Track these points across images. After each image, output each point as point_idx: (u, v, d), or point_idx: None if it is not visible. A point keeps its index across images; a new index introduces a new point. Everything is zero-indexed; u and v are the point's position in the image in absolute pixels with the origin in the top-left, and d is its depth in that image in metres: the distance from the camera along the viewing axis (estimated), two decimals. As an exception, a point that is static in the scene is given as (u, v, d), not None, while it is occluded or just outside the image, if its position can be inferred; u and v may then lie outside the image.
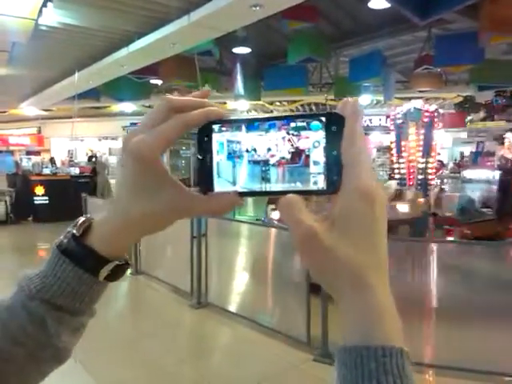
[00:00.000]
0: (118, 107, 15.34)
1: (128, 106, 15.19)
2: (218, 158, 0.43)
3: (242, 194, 0.43)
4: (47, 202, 11.28)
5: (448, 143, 15.70)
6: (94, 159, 14.49)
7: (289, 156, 0.41)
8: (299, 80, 9.09)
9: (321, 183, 0.40)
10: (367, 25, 7.43)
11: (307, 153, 0.41)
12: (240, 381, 3.54)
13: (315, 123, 0.41)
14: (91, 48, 7.85)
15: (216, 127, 0.43)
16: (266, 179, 0.42)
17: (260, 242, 5.19)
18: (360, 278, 0.37)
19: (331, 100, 11.90)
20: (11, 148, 18.52)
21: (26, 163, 14.18)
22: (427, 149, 7.69)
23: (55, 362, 0.49)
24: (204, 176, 0.43)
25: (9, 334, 0.45)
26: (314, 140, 0.40)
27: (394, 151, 8.09)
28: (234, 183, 0.43)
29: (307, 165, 0.41)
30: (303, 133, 0.41)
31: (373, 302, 0.37)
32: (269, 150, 0.42)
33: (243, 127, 0.43)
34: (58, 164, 14.86)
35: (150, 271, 5.96)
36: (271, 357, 3.89)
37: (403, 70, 9.97)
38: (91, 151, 17.48)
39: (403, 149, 7.89)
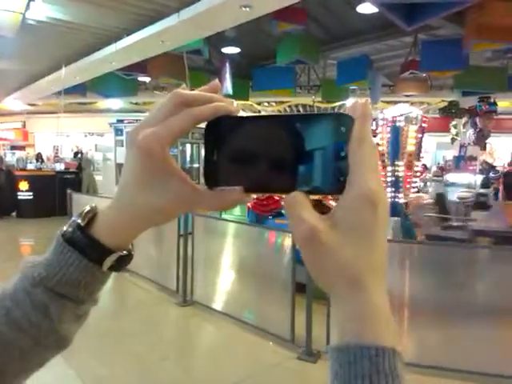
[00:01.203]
0: (104, 103, 15.21)
1: (115, 103, 15.08)
2: (225, 153, 0.42)
3: (248, 191, 0.42)
4: (31, 197, 11.13)
5: (432, 147, 15.94)
6: (79, 155, 14.35)
7: (296, 155, 0.40)
8: (287, 81, 9.15)
9: (328, 183, 0.40)
10: (355, 29, 7.53)
11: (315, 152, 0.40)
12: (224, 378, 3.56)
13: (324, 123, 0.40)
14: (79, 43, 7.79)
15: (224, 122, 0.42)
16: (272, 177, 0.41)
17: (246, 241, 5.22)
18: (356, 279, 0.37)
19: (319, 102, 12.00)
20: (-5, 142, 18.22)
21: (11, 158, 13.97)
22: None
23: (57, 348, 0.49)
24: (210, 171, 0.43)
25: (12, 321, 0.45)
26: (322, 140, 0.40)
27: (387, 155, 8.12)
28: (240, 179, 0.42)
29: (314, 164, 0.40)
30: (311, 132, 0.40)
31: (367, 303, 0.37)
32: (276, 148, 0.41)
33: (252, 124, 0.43)
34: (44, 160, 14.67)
35: (136, 269, 5.95)
36: (255, 355, 3.93)
37: (389, 74, 10.11)
38: (77, 147, 17.31)
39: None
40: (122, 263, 0.49)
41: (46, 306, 0.46)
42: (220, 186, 0.43)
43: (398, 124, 7.45)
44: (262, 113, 15.61)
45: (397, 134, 8.24)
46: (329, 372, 0.37)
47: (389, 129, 8.21)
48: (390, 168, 6.73)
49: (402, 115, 7.04)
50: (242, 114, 0.43)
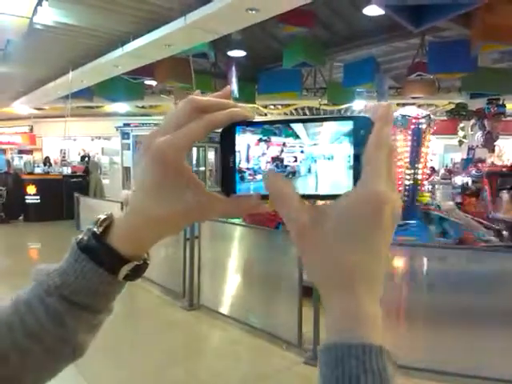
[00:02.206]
0: (111, 107, 15.28)
1: (121, 107, 15.14)
2: (242, 160, 0.42)
3: (265, 197, 0.41)
4: (39, 201, 11.21)
5: (439, 150, 15.85)
6: (86, 159, 14.43)
7: (314, 159, 0.40)
8: (293, 84, 9.14)
9: (346, 187, 0.39)
10: (362, 31, 7.49)
11: (332, 156, 0.39)
12: (231, 382, 3.55)
13: (342, 127, 0.39)
14: (86, 47, 7.83)
15: (240, 128, 0.42)
16: (294, 183, 0.40)
17: (252, 244, 5.20)
18: (347, 280, 0.37)
19: (325, 105, 11.97)
20: (3, 147, 18.34)
21: (18, 162, 14.08)
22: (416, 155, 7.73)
23: (71, 358, 0.49)
24: (226, 178, 0.43)
25: (27, 329, 0.45)
26: (340, 144, 0.39)
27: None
28: (256, 186, 0.41)
29: (333, 169, 0.39)
30: (330, 136, 0.39)
31: (354, 306, 0.37)
32: (293, 152, 0.41)
33: (268, 129, 0.42)
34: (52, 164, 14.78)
35: (142, 272, 5.94)
36: (262, 359, 3.91)
37: (396, 76, 10.06)
38: (84, 151, 17.40)
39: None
40: (137, 272, 0.48)
41: (61, 315, 0.45)
42: (236, 193, 0.42)
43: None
44: (269, 116, 15.62)
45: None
46: (317, 372, 0.37)
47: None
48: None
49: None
50: (256, 119, 0.42)
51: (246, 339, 4.26)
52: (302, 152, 0.40)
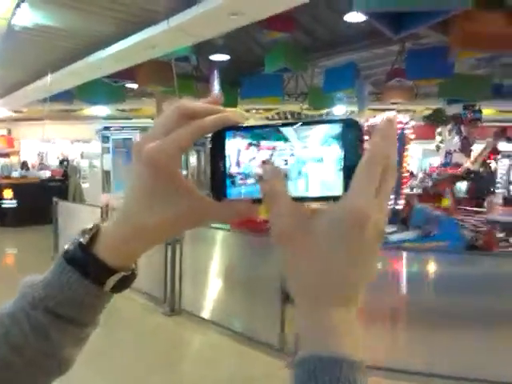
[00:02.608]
0: (91, 110, 15.08)
1: (102, 110, 14.96)
2: (232, 164, 0.42)
3: (256, 201, 0.42)
4: (16, 205, 10.96)
5: (418, 154, 16.12)
6: (65, 162, 14.19)
7: (304, 162, 0.40)
8: (276, 89, 9.19)
9: (337, 189, 0.39)
10: (343, 37, 7.59)
11: (322, 159, 0.39)
12: (213, 388, 3.52)
13: (331, 130, 0.39)
14: (66, 50, 7.72)
15: (230, 133, 0.42)
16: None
17: (234, 249, 5.19)
18: (321, 291, 0.37)
19: (307, 109, 12.06)
20: (-22, 150, 17.90)
21: (-5, 165, 13.76)
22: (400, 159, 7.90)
23: (56, 372, 0.47)
24: (217, 182, 0.42)
25: (10, 342, 0.43)
26: (330, 146, 0.39)
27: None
28: (248, 190, 0.41)
29: (323, 171, 0.39)
30: (319, 139, 0.40)
31: (329, 316, 0.37)
32: (283, 156, 0.41)
33: (258, 133, 0.42)
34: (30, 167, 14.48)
35: (123, 277, 5.86)
36: (244, 364, 3.90)
37: (376, 82, 10.21)
38: (63, 154, 17.11)
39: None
40: (125, 283, 0.47)
41: (46, 328, 0.44)
42: (227, 198, 0.42)
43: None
44: (251, 120, 15.65)
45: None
46: None
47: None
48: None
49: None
50: (247, 123, 0.42)
51: (227, 344, 4.24)
52: (292, 155, 0.40)
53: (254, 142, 0.42)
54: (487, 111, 11.55)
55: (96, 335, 0.51)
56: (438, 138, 11.71)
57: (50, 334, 0.44)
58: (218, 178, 0.42)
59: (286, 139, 0.41)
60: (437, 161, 12.65)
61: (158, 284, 5.22)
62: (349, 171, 0.38)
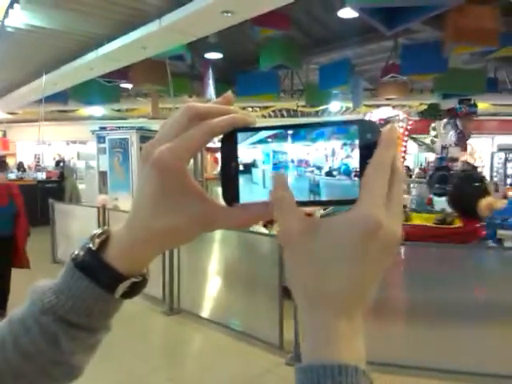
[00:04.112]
0: (86, 111, 15.05)
1: (97, 110, 14.93)
2: (244, 167, 0.40)
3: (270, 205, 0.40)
4: (12, 207, 10.91)
5: (414, 149, 16.13)
6: (61, 164, 14.15)
7: (317, 165, 0.39)
8: (271, 86, 9.19)
9: (351, 193, 0.38)
10: (336, 34, 7.59)
11: (334, 163, 0.39)
12: (213, 386, 3.53)
13: (345, 131, 0.38)
14: (59, 51, 7.69)
15: (241, 135, 0.40)
16: (297, 189, 0.39)
17: (232, 247, 5.19)
18: (323, 299, 0.37)
19: (302, 106, 12.06)
20: (-26, 152, 17.82)
21: (-10, 168, 13.67)
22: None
23: (67, 379, 0.47)
24: (229, 186, 0.41)
25: (20, 349, 0.43)
26: (344, 148, 0.39)
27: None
28: (260, 194, 0.40)
29: (335, 175, 0.39)
30: (333, 142, 0.39)
31: (331, 323, 0.36)
32: (297, 158, 0.40)
33: (270, 135, 0.41)
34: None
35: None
36: (244, 362, 3.90)
37: (371, 78, 10.23)
38: (59, 155, 17.07)
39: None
40: (136, 289, 0.46)
41: (56, 335, 0.43)
42: (240, 202, 0.41)
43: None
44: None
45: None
46: None
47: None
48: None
49: (385, 119, 7.14)
50: (258, 125, 0.41)
51: (227, 342, 4.25)
52: (302, 157, 0.40)
53: (265, 144, 0.41)
54: (482, 105, 11.58)
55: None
56: (433, 133, 11.73)
57: (60, 340, 0.43)
58: (230, 182, 0.41)
59: (297, 140, 0.40)
60: (433, 156, 12.70)
61: (156, 283, 5.22)
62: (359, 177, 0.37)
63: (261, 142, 0.41)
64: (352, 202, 0.37)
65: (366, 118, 8.36)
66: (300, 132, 0.40)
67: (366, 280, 0.37)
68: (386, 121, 7.50)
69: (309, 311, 0.37)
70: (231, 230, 4.47)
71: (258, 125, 0.41)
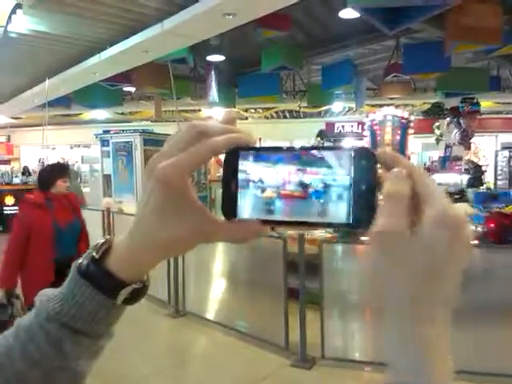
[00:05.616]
0: (89, 115, 15.11)
1: (100, 114, 14.98)
2: (244, 184, 0.42)
3: (266, 223, 0.42)
4: (18, 212, 10.98)
5: (417, 148, 16.10)
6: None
7: (315, 188, 0.40)
8: (273, 88, 9.20)
9: (347, 217, 0.39)
10: (338, 34, 7.59)
11: (334, 186, 0.40)
12: (219, 388, 3.53)
13: (344, 157, 0.40)
14: (62, 55, 7.73)
15: (243, 153, 0.42)
16: (291, 210, 0.41)
17: (237, 249, 5.20)
18: (420, 310, 0.36)
19: (304, 107, 12.06)
20: (-21, 157, 17.91)
21: (-5, 173, 13.75)
22: (402, 153, 8.00)
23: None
24: (228, 202, 0.43)
25: (27, 355, 0.45)
26: (343, 174, 0.40)
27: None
28: (258, 211, 0.42)
29: (334, 198, 0.40)
30: (331, 166, 0.40)
31: (423, 338, 0.35)
32: (295, 180, 0.41)
33: (270, 156, 0.42)
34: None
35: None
36: (249, 363, 3.90)
37: (373, 77, 10.22)
38: (63, 159, 17.13)
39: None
40: (137, 296, 0.48)
41: (61, 341, 0.45)
42: (237, 218, 0.42)
43: (375, 127, 7.64)
44: (250, 120, 15.65)
45: (373, 137, 8.47)
46: None
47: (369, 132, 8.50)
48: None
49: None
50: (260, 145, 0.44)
51: (232, 344, 4.25)
52: (301, 179, 0.41)
53: (263, 163, 0.42)
54: (485, 103, 11.54)
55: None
56: (437, 132, 11.71)
57: (65, 347, 0.45)
58: (229, 197, 0.43)
59: (296, 163, 0.41)
60: (436, 154, 12.67)
61: (162, 286, 5.24)
62: (363, 199, 0.39)
63: (260, 161, 0.42)
64: (342, 225, 0.39)
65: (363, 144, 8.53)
66: (298, 155, 0.41)
67: (458, 277, 0.37)
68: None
69: (401, 320, 0.37)
70: (228, 243, 4.49)
71: (260, 145, 0.43)
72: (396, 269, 0.37)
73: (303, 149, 0.41)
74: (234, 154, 0.42)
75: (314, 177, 0.40)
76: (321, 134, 7.80)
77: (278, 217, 0.41)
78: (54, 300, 0.46)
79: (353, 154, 0.40)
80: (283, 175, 0.41)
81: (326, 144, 9.24)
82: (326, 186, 0.40)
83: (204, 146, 0.41)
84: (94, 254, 0.46)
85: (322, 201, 0.40)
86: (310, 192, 0.40)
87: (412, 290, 0.37)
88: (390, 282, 0.38)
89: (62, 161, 16.71)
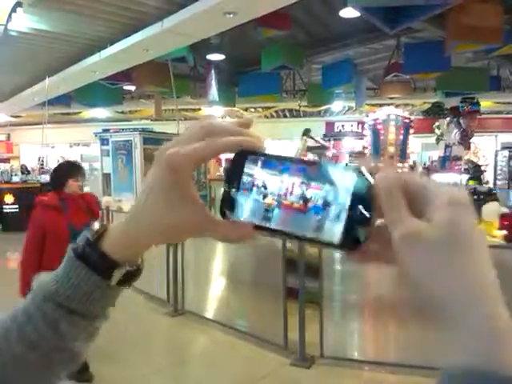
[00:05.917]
0: (89, 113, 15.10)
1: (100, 112, 14.98)
2: (245, 187, 0.43)
3: (258, 228, 0.42)
4: (17, 210, 10.98)
5: (417, 148, 16.11)
6: (65, 166, 14.16)
7: (315, 203, 0.40)
8: (273, 87, 9.20)
9: (338, 236, 0.39)
10: (339, 33, 7.59)
11: (334, 204, 0.40)
12: (218, 387, 3.53)
13: (346, 174, 0.40)
14: (62, 54, 7.73)
15: (252, 157, 0.43)
16: (286, 220, 0.41)
17: (236, 248, 5.20)
18: (480, 293, 0.34)
19: (305, 106, 12.06)
20: (-22, 155, 17.92)
21: (-5, 171, 13.75)
22: (404, 152, 8.03)
23: (69, 365, 0.49)
24: (227, 201, 0.43)
25: (25, 337, 0.46)
26: (342, 190, 0.40)
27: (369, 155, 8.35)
28: (254, 216, 0.42)
29: (331, 217, 0.40)
30: (334, 183, 0.40)
31: (490, 322, 0.33)
32: (292, 192, 0.41)
33: (274, 163, 0.42)
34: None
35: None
36: (249, 362, 3.90)
37: (374, 77, 10.22)
38: (62, 158, 17.13)
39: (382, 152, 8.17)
40: (131, 278, 0.49)
41: (57, 321, 0.46)
42: (232, 218, 0.43)
43: (378, 127, 7.64)
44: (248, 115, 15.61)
45: (376, 136, 8.47)
46: None
47: (370, 132, 8.50)
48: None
49: (378, 119, 7.19)
50: (267, 152, 0.43)
51: (231, 343, 4.25)
52: (303, 192, 0.41)
53: (268, 171, 0.42)
54: (485, 103, 11.54)
55: (100, 336, 0.53)
56: (437, 132, 11.71)
57: (62, 327, 0.46)
58: (229, 197, 0.43)
59: (300, 176, 0.41)
60: (436, 154, 12.68)
61: (161, 285, 5.24)
62: (352, 222, 0.39)
63: (266, 168, 0.43)
64: (331, 245, 0.39)
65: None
66: (304, 168, 0.41)
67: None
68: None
69: (463, 309, 0.34)
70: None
71: (266, 151, 0.43)
72: (442, 262, 0.35)
73: (310, 163, 0.42)
74: (243, 156, 0.43)
75: (316, 192, 0.40)
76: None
77: (272, 225, 0.42)
78: (51, 282, 0.47)
79: (356, 176, 0.39)
80: (287, 185, 0.42)
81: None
82: (326, 204, 0.40)
83: (210, 142, 0.42)
84: (89, 236, 0.47)
85: (319, 217, 0.40)
86: (309, 206, 0.40)
87: (468, 276, 0.34)
88: (443, 277, 0.35)
89: (61, 159, 16.74)
